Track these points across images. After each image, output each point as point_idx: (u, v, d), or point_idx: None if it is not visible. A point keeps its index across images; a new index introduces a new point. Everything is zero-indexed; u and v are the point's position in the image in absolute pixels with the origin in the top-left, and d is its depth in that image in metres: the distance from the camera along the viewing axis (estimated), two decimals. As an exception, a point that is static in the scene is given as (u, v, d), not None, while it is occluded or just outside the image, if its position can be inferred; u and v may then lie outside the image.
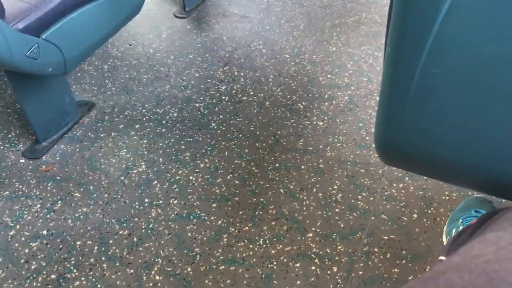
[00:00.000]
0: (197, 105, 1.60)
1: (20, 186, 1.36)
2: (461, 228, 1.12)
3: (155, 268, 1.15)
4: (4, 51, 1.01)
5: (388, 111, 0.64)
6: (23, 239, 1.23)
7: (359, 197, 1.28)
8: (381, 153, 0.74)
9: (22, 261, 1.19)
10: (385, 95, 0.63)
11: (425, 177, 1.33)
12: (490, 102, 0.55)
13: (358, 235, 1.20)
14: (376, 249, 1.17)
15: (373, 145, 1.42)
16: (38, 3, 1.09)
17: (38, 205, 1.31)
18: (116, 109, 1.59)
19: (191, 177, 1.36)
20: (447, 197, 1.27)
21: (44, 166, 1.42)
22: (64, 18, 1.13)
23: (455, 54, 0.52)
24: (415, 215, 1.23)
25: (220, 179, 1.36)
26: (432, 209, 1.25)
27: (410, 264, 1.13)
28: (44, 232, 1.25)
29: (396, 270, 1.12)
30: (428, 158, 0.67)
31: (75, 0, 1.14)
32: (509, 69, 0.51)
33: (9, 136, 1.52)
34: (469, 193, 1.28)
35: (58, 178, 1.39)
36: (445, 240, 1.17)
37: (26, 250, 1.21)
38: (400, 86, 0.60)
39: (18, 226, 1.26)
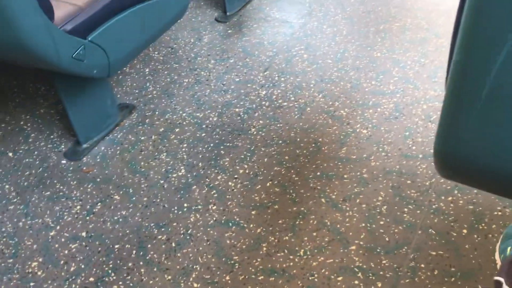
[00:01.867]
0: (237, 110, 1.58)
1: (61, 187, 1.37)
2: (516, 246, 1.05)
3: (193, 275, 1.13)
4: (52, 53, 1.01)
5: (452, 121, 0.60)
6: (62, 240, 1.24)
7: (405, 209, 1.23)
8: (440, 164, 0.70)
9: (62, 262, 1.19)
10: (450, 103, 0.59)
11: (475, 191, 1.26)
12: None
13: (404, 249, 1.14)
14: (422, 265, 1.11)
15: (420, 155, 1.36)
16: (85, 5, 1.09)
17: (78, 207, 1.32)
18: (156, 113, 1.59)
19: (230, 183, 1.34)
20: (499, 213, 1.20)
21: (84, 168, 1.43)
22: (110, 20, 1.13)
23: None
24: (464, 231, 1.17)
25: (259, 186, 1.33)
26: (483, 224, 1.18)
27: (459, 283, 1.07)
28: (83, 234, 1.25)
29: (444, 288, 1.06)
30: (494, 173, 0.62)
31: (121, 2, 1.14)
32: None
33: (52, 137, 1.53)
34: (524, 209, 1.21)
35: (98, 180, 1.39)
36: (498, 258, 1.10)
37: (66, 251, 1.21)
38: (468, 96, 0.55)
39: (58, 227, 1.27)
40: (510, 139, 0.56)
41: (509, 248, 1.05)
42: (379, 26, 1.88)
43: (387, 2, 2.01)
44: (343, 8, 2.01)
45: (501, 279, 0.86)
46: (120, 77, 1.75)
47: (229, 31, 1.95)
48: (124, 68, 1.78)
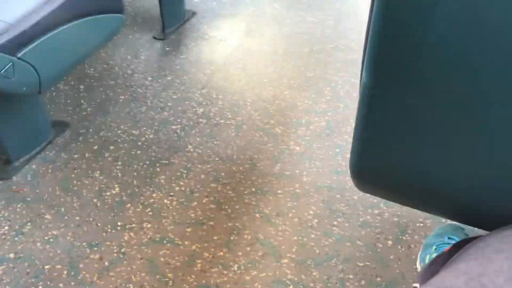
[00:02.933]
0: (174, 127, 1.59)
1: (-12, 207, 1.32)
2: (434, 255, 1.13)
3: (126, 294, 1.12)
4: (-23, 69, 0.99)
5: (363, 139, 0.65)
6: (-12, 262, 1.19)
7: (335, 222, 1.28)
8: (356, 180, 0.75)
9: (-13, 285, 1.14)
10: (361, 123, 0.63)
11: (400, 204, 1.34)
12: (463, 135, 0.56)
13: (333, 261, 1.19)
14: (351, 276, 1.16)
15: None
16: (15, 22, 1.08)
17: (6, 227, 1.27)
18: (91, 130, 1.57)
19: (165, 201, 1.34)
20: (421, 224, 1.28)
21: (14, 187, 1.38)
22: (40, 37, 1.11)
23: (429, 85, 0.53)
24: (390, 242, 1.24)
25: (195, 203, 1.34)
26: (406, 235, 1.25)
27: (384, 291, 1.13)
28: (11, 255, 1.21)
29: (370, 297, 1.12)
30: (402, 186, 0.67)
31: (52, 20, 1.13)
32: (482, 101, 0.53)
33: (-21, 155, 1.48)
34: (443, 220, 1.29)
35: (29, 199, 1.35)
36: (419, 266, 1.17)
37: (-9, 274, 1.17)
38: (375, 115, 0.60)
39: (-16, 249, 1.22)
40: (412, 156, 0.62)
41: (427, 257, 1.12)
42: (313, 47, 1.96)
43: (321, 24, 2.10)
44: (280, 29, 2.08)
45: (417, 285, 0.92)
46: (54, 93, 1.71)
47: (167, 49, 1.96)
48: (58, 85, 1.75)
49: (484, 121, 0.54)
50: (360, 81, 0.63)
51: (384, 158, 0.64)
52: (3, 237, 1.25)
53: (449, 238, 1.14)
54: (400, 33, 0.52)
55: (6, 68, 1.05)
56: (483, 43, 0.47)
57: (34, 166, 1.44)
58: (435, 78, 0.52)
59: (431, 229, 1.26)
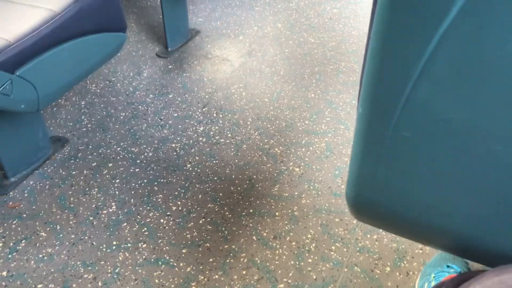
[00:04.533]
0: (173, 145, 1.58)
1: (-17, 223, 1.31)
2: (433, 283, 1.11)
3: (119, 316, 1.10)
4: (-24, 86, 0.99)
5: (359, 169, 0.64)
6: (-20, 280, 1.18)
7: (333, 247, 1.27)
8: (352, 208, 0.74)
9: (-22, 304, 1.13)
10: (357, 153, 0.63)
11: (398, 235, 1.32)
12: (460, 167, 0.55)
13: (330, 287, 1.17)
14: (347, 303, 1.14)
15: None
16: (14, 39, 1.08)
17: (0, 244, 1.26)
18: (90, 146, 1.56)
19: (162, 220, 1.33)
20: (420, 250, 1.26)
21: (10, 203, 1.38)
22: (40, 55, 1.11)
23: (425, 119, 0.52)
24: (388, 268, 1.22)
25: (192, 224, 1.33)
26: (405, 262, 1.23)
27: (381, 320, 1.11)
28: (4, 273, 1.19)
29: (367, 325, 1.09)
30: (398, 218, 0.66)
31: (53, 38, 1.13)
32: (478, 136, 0.52)
33: (-23, 169, 1.47)
34: (442, 247, 1.27)
35: (25, 215, 1.34)
36: (417, 295, 1.15)
37: (-17, 292, 1.15)
38: (371, 147, 0.60)
39: (-24, 266, 1.21)
40: (409, 188, 0.61)
41: (426, 285, 1.10)
42: (315, 68, 1.97)
43: (323, 46, 2.11)
44: (282, 50, 2.08)
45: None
46: (55, 109, 1.71)
47: (170, 67, 1.97)
48: (59, 100, 1.75)
49: (482, 155, 0.53)
50: (357, 110, 0.63)
51: (380, 190, 0.63)
52: (-3, 254, 1.24)
53: (447, 266, 1.12)
54: (395, 66, 0.52)
55: (4, 85, 1.05)
56: (484, 79, 0.47)
57: (31, 182, 1.44)
58: (431, 112, 0.52)
59: (430, 256, 1.24)
